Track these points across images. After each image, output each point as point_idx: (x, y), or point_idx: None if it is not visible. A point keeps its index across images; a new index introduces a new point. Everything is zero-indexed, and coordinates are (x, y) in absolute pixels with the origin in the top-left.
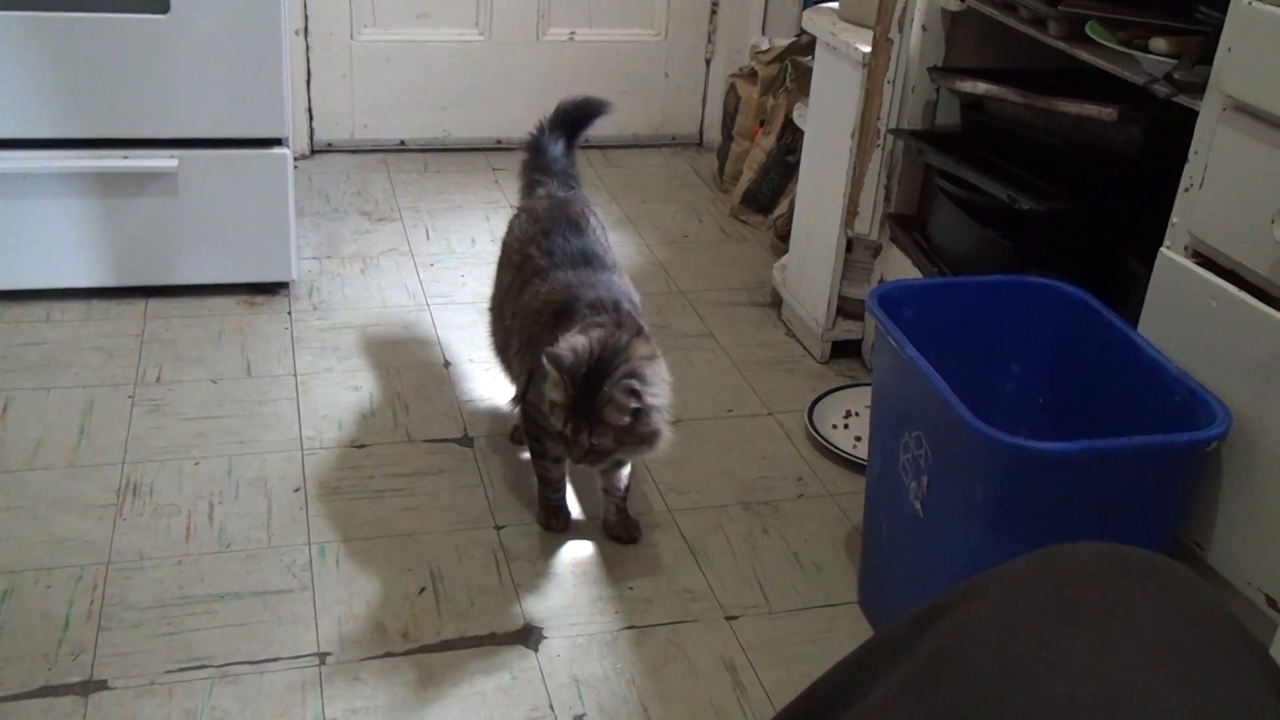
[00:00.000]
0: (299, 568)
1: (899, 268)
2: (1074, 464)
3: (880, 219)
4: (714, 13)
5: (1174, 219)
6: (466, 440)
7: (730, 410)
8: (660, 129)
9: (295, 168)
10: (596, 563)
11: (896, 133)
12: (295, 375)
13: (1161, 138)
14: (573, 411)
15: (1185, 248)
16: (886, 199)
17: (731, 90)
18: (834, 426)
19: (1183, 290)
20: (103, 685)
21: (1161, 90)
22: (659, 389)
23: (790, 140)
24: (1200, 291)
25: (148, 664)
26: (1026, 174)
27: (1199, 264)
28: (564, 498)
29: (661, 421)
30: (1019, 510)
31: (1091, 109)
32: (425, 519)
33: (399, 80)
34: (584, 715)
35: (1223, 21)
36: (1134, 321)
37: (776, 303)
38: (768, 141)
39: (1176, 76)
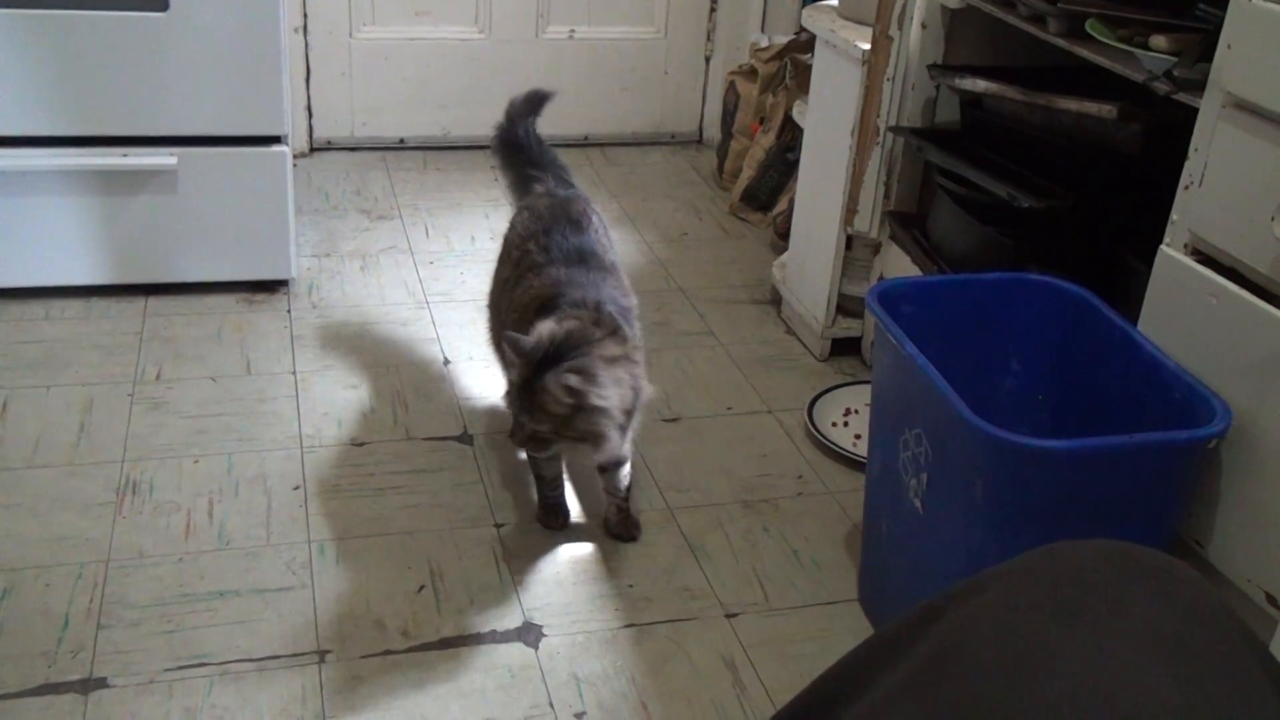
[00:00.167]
0: (298, 565)
1: (898, 265)
2: (1074, 462)
3: (880, 216)
4: (713, 10)
5: (1174, 216)
6: (466, 438)
7: (730, 408)
8: (660, 126)
9: (294, 166)
10: (596, 560)
11: (896, 130)
12: (294, 373)
13: (1161, 135)
14: (519, 395)
15: (1185, 245)
16: (886, 196)
17: (731, 88)
18: (834, 424)
19: (1183, 288)
20: (103, 683)
21: (1161, 88)
22: (609, 391)
23: (790, 138)
24: (1200, 289)
25: (147, 662)
26: (1026, 171)
27: (1199, 261)
28: (562, 495)
29: (609, 425)
30: (1019, 508)
31: (1091, 106)
32: (425, 517)
33: (398, 78)
34: (584, 713)
35: (1223, 19)
36: (1134, 319)
37: (776, 300)
38: (767, 139)
39: (1176, 74)
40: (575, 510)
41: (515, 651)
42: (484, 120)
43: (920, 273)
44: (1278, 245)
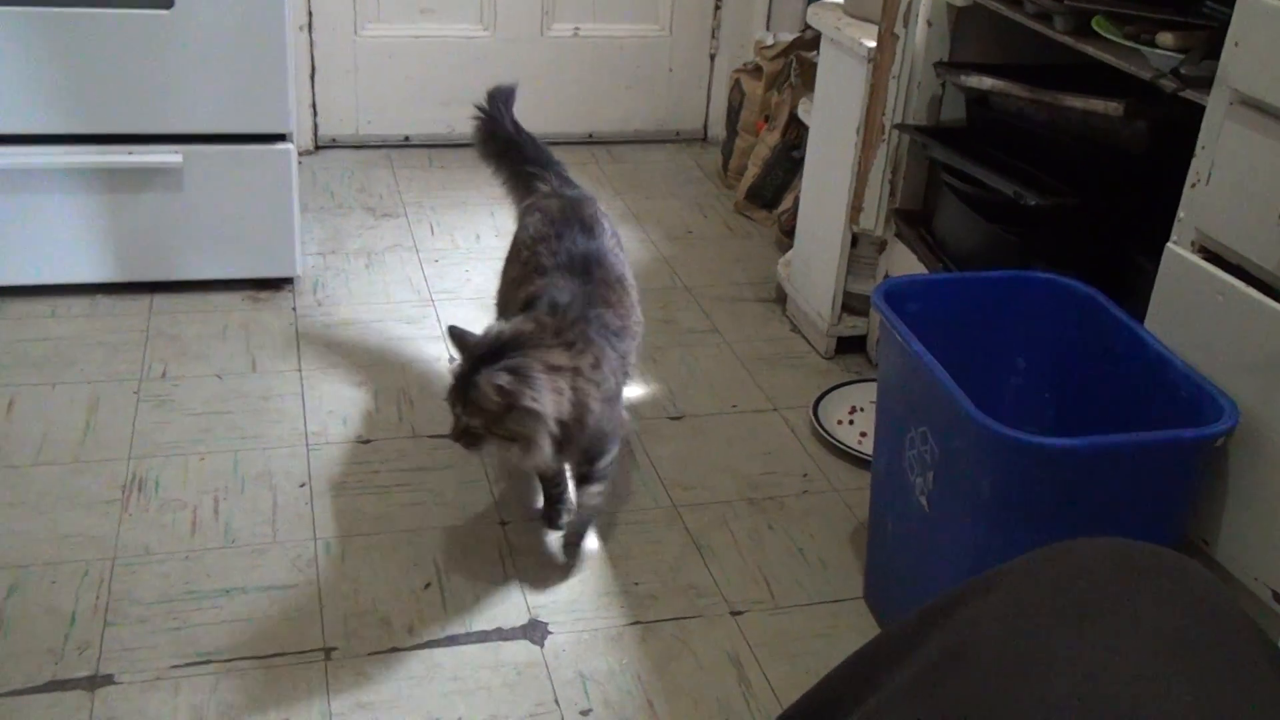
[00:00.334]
0: (304, 563)
1: (904, 263)
2: (1081, 460)
3: (885, 214)
4: (718, 8)
5: (1181, 214)
6: None
7: (735, 406)
8: (664, 124)
9: (299, 163)
10: (601, 558)
11: (902, 128)
12: (300, 371)
13: (1168, 133)
14: (457, 388)
15: (1192, 243)
16: (891, 194)
17: (736, 86)
18: (839, 422)
19: (1189, 286)
20: (109, 680)
21: (1168, 85)
22: (543, 397)
23: (795, 136)
24: (1207, 287)
25: (154, 659)
26: (1032, 169)
27: (1206, 259)
28: (565, 492)
29: (540, 430)
30: (1025, 506)
31: (1098, 104)
32: (430, 514)
33: (403, 76)
34: (590, 710)
35: (1230, 16)
36: (1140, 317)
37: (781, 298)
38: (772, 137)
39: (1183, 71)
40: None
41: (521, 649)
42: None
43: (926, 271)
44: None
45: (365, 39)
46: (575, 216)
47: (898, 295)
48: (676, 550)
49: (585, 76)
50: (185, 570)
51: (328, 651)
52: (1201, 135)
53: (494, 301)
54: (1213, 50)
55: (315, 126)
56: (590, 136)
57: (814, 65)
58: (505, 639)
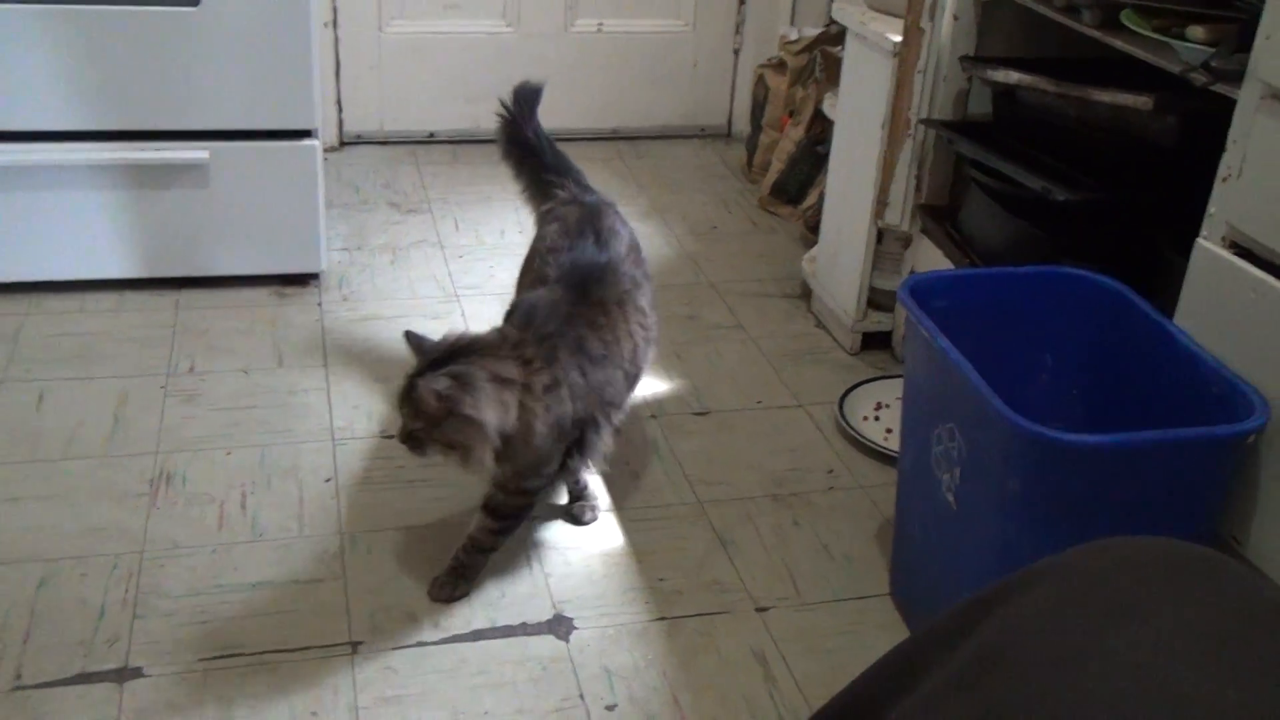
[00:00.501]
0: (330, 557)
1: (930, 259)
2: (1111, 457)
3: (911, 210)
4: (742, 3)
5: (1211, 209)
6: None
7: (760, 402)
8: (689, 120)
9: (324, 159)
10: (626, 554)
11: (928, 123)
12: (325, 366)
13: (1198, 127)
14: (403, 390)
15: (1223, 238)
16: (917, 190)
17: (760, 81)
18: (864, 418)
19: (1220, 281)
20: (138, 672)
21: (1199, 79)
22: (484, 407)
23: (819, 131)
24: (1238, 282)
25: (182, 652)
26: (1060, 164)
27: (1237, 255)
28: (587, 488)
29: (478, 440)
30: (1053, 504)
31: (1127, 98)
32: (456, 509)
33: (427, 72)
34: (615, 705)
35: (1261, 8)
36: (1170, 313)
37: (806, 294)
38: (797, 132)
39: (1214, 64)
40: (604, 504)
41: (546, 644)
42: None
43: (952, 266)
44: None
45: (389, 35)
46: (591, 227)
47: (924, 291)
48: (701, 546)
49: (609, 72)
50: (213, 564)
51: (354, 645)
52: (1233, 129)
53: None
54: (1244, 43)
55: (340, 123)
56: (614, 132)
57: (839, 60)
58: (530, 634)
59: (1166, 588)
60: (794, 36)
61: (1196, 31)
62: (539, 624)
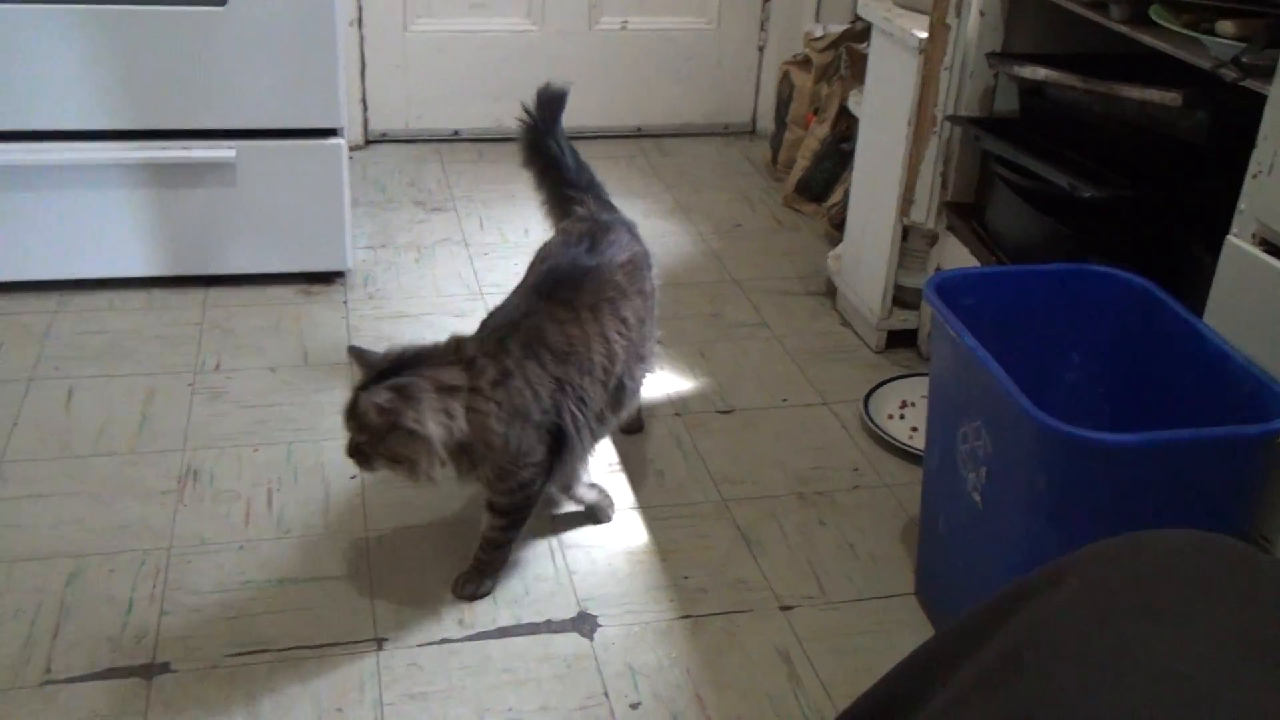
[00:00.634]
0: (356, 554)
1: (956, 256)
2: (1138, 456)
3: (937, 207)
4: (767, 0)
5: (1241, 206)
6: None
7: (785, 400)
8: (713, 117)
9: (350, 158)
10: (651, 552)
11: (954, 119)
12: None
13: (1228, 123)
14: (349, 404)
15: (1253, 235)
16: (943, 187)
17: (785, 78)
18: (890, 417)
19: (1250, 279)
20: (165, 668)
21: (1229, 74)
22: (427, 419)
23: (844, 128)
24: (1269, 280)
25: (209, 647)
26: (1088, 160)
27: (1267, 252)
28: (599, 487)
29: (421, 453)
30: (1080, 503)
31: (1155, 94)
32: (480, 507)
33: (452, 70)
34: (639, 704)
35: None
36: (1199, 311)
37: (831, 292)
38: (822, 130)
39: (1244, 60)
40: (628, 502)
41: (571, 641)
42: None
43: (978, 264)
44: None
45: (414, 34)
46: (591, 237)
47: (950, 289)
48: (726, 544)
49: (633, 70)
50: (239, 560)
51: (379, 642)
52: (1263, 125)
53: None
54: (1274, 39)
55: (365, 121)
56: (639, 130)
57: (864, 57)
58: (555, 631)
59: (1200, 585)
60: (819, 33)
61: (1226, 26)
62: (563, 621)
